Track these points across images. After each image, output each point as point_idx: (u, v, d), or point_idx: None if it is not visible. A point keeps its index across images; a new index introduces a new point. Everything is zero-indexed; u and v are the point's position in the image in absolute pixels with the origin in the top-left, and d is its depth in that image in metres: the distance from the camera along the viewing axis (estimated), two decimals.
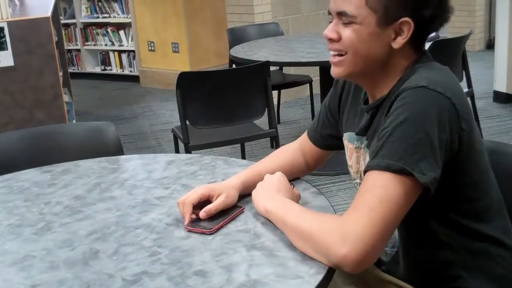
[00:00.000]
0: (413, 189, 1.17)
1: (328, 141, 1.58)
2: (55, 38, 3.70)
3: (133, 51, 7.05)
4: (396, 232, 1.40)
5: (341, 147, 1.55)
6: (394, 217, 1.16)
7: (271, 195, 1.36)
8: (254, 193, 1.41)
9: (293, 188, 1.44)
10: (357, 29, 1.30)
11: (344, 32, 1.31)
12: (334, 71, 1.37)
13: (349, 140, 1.47)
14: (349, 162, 1.48)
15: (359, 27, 1.29)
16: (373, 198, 1.16)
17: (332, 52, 1.36)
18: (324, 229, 1.17)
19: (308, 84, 4.77)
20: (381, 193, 1.16)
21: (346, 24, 1.31)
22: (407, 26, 1.29)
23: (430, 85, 1.22)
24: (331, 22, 1.35)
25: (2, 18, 3.32)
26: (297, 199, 1.41)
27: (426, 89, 1.21)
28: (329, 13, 1.35)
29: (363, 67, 1.33)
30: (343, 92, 1.53)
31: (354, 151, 1.45)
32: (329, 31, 1.34)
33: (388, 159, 1.17)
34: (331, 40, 1.34)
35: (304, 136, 1.62)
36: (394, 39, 1.30)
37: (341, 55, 1.34)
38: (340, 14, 1.31)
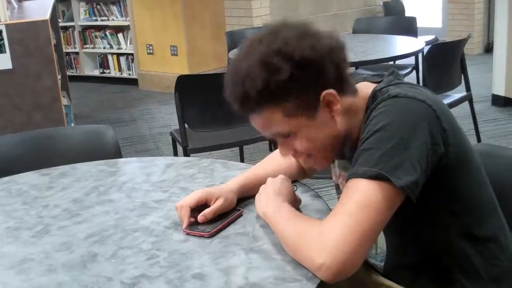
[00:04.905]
0: (392, 195, 1.16)
1: None
2: (53, 41, 3.70)
3: (132, 54, 7.05)
4: (384, 245, 1.40)
5: None
6: (373, 223, 1.15)
7: (269, 198, 1.36)
8: (256, 196, 1.42)
9: (295, 190, 1.44)
10: (302, 136, 1.29)
11: (295, 144, 1.31)
12: (322, 167, 1.39)
13: (341, 169, 1.46)
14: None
15: (300, 133, 1.29)
16: (351, 204, 1.16)
17: (302, 161, 1.37)
18: (304, 238, 1.17)
19: None
20: (359, 199, 1.15)
21: (290, 138, 1.31)
22: (330, 95, 1.26)
23: (401, 94, 1.23)
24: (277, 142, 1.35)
25: (0, 21, 3.32)
26: (297, 204, 1.41)
27: (397, 98, 1.23)
28: (269, 139, 1.36)
29: (335, 144, 1.33)
30: None
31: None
32: (284, 152, 1.35)
33: (365, 166, 1.18)
34: (293, 155, 1.36)
35: None
36: (331, 111, 1.28)
37: (311, 154, 1.34)
38: (278, 135, 1.32)
